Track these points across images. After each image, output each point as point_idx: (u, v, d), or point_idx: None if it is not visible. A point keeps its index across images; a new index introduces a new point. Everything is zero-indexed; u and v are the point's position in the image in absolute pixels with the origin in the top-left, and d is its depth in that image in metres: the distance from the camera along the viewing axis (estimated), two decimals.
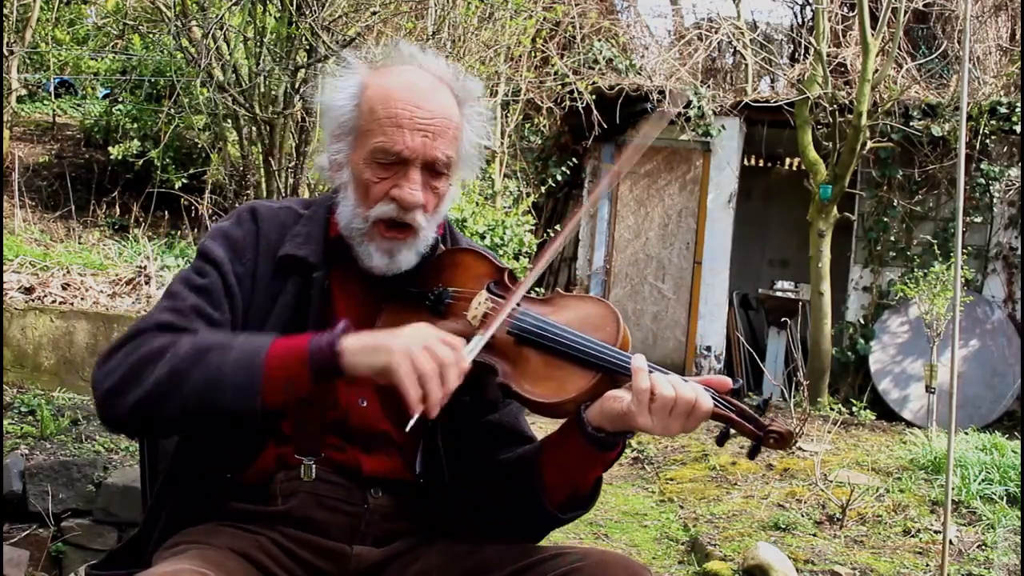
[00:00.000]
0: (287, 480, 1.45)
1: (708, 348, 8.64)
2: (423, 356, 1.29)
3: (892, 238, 8.49)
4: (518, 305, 1.43)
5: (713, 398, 1.36)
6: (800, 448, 5.50)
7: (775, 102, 8.30)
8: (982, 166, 8.17)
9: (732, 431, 1.37)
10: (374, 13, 5.64)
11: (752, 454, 1.38)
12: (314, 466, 1.44)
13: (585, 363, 1.37)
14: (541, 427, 1.65)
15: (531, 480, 1.45)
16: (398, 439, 1.48)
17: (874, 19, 7.49)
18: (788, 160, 9.98)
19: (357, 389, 1.46)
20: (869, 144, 7.73)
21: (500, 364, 1.40)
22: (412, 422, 1.28)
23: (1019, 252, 8.21)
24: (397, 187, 1.44)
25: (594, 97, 8.19)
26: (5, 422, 3.91)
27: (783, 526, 4.09)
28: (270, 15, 5.34)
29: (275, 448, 1.45)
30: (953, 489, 3.89)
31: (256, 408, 1.32)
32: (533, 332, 1.40)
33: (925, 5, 8.69)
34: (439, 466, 1.48)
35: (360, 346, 1.32)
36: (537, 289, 1.49)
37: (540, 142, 9.62)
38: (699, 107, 8.37)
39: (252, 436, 1.42)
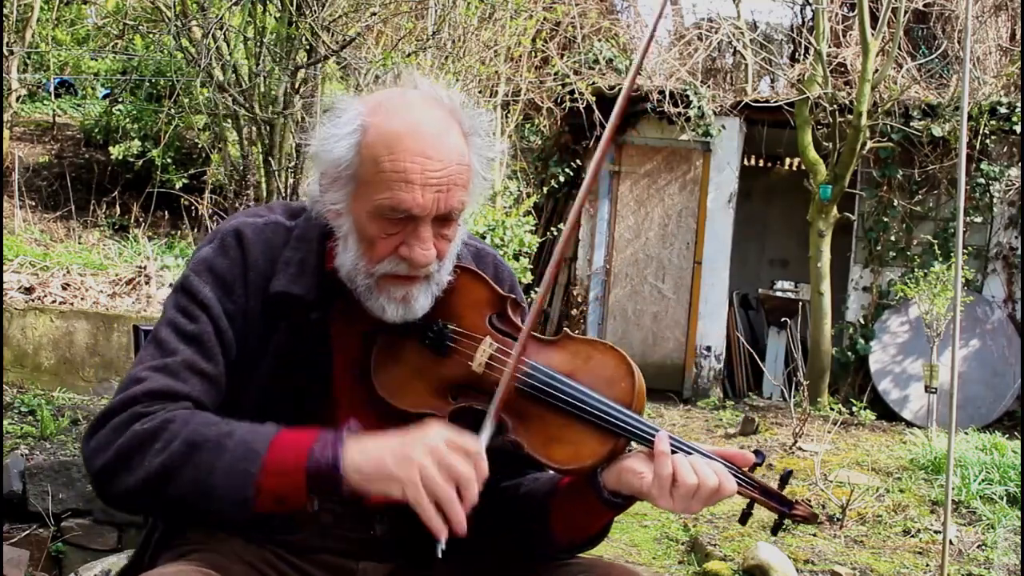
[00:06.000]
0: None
1: (708, 348, 8.64)
2: (439, 480, 1.19)
3: (892, 238, 8.49)
4: (525, 353, 1.36)
5: (736, 476, 1.33)
6: (800, 448, 5.50)
7: (775, 102, 8.28)
8: (982, 166, 8.16)
9: (755, 507, 1.36)
10: (374, 13, 5.64)
11: (775, 531, 1.36)
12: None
13: (603, 429, 1.31)
14: None
15: (541, 527, 1.42)
16: None
17: (874, 19, 7.48)
18: (788, 160, 9.97)
19: (349, 415, 1.35)
20: (869, 144, 7.73)
21: (510, 420, 1.33)
22: (442, 546, 1.21)
23: (1019, 252, 8.20)
24: (406, 246, 1.32)
25: (594, 97, 8.19)
26: (5, 422, 3.91)
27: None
28: (270, 15, 5.34)
29: None
30: (953, 489, 3.89)
31: (246, 516, 1.26)
32: (545, 392, 1.33)
33: (925, 5, 8.67)
34: None
35: (366, 471, 1.22)
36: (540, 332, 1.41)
37: (540, 142, 9.62)
38: (699, 107, 8.37)
39: None
